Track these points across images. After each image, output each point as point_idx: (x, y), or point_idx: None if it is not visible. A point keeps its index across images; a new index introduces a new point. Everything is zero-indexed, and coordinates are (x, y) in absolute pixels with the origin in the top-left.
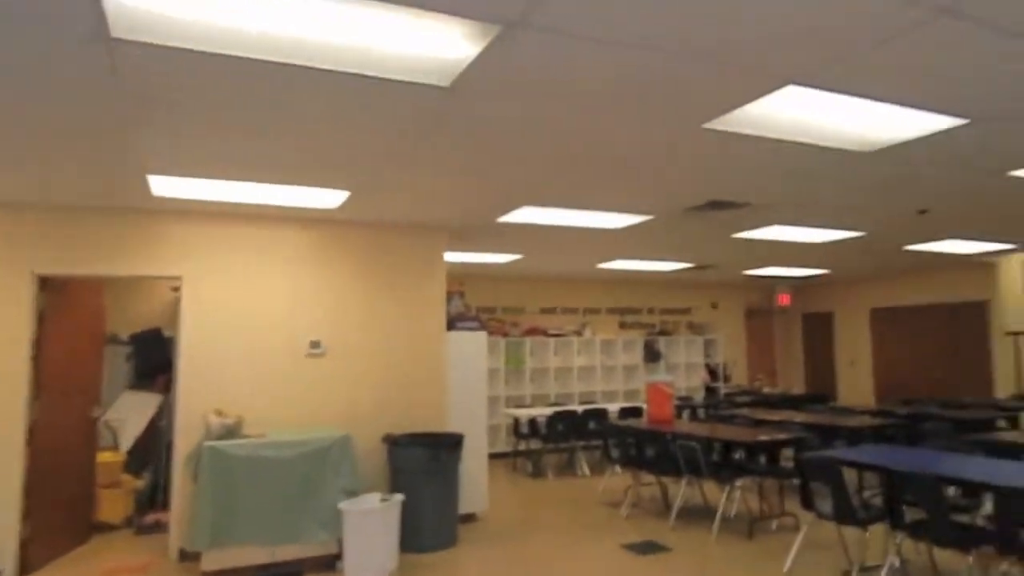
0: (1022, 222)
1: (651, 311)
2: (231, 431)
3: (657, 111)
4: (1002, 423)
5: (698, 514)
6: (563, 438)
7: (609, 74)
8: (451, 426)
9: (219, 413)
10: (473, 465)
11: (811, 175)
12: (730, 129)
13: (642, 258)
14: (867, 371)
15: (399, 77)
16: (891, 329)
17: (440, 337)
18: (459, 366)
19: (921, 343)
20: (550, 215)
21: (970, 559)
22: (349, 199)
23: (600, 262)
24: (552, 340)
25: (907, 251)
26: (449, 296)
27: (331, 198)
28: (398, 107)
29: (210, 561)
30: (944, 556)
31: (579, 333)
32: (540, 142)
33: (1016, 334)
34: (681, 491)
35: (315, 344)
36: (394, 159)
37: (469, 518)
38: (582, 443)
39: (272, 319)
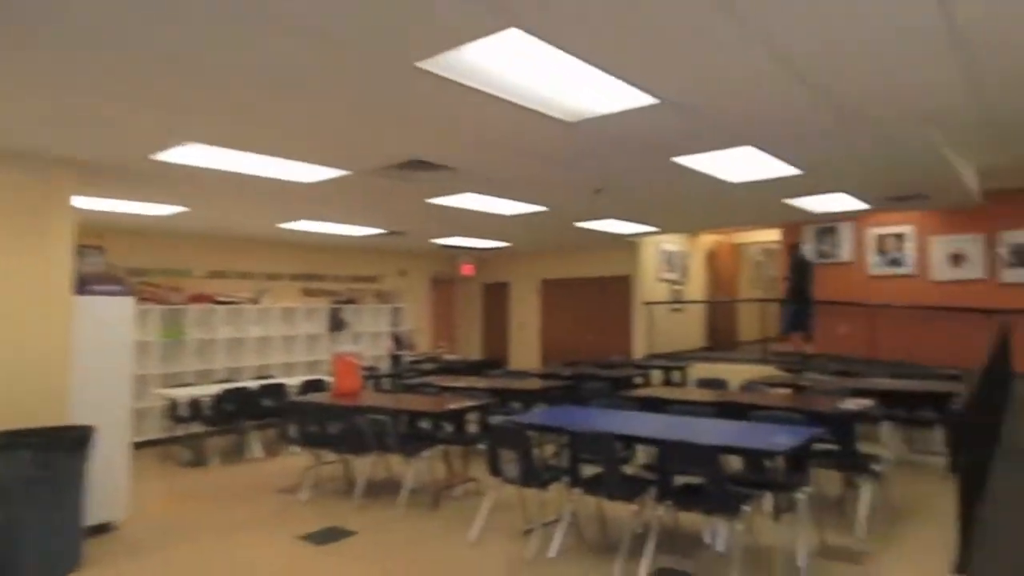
0: (669, 206)
1: (338, 278)
2: None
3: (366, 38)
4: (639, 379)
5: (385, 490)
6: (233, 419)
7: None
8: (77, 417)
9: None
10: (109, 462)
11: (515, 141)
12: (444, 74)
13: (331, 220)
14: (535, 337)
15: None
16: (557, 299)
17: (64, 304)
18: (94, 340)
19: (579, 311)
20: (223, 158)
21: (634, 506)
22: None
23: (283, 221)
24: (222, 309)
25: (577, 228)
26: (81, 251)
27: None
28: None
29: None
30: (610, 506)
31: (255, 301)
32: (207, 57)
33: (650, 304)
34: (368, 468)
35: None
36: None
37: (102, 529)
38: (256, 423)
39: None
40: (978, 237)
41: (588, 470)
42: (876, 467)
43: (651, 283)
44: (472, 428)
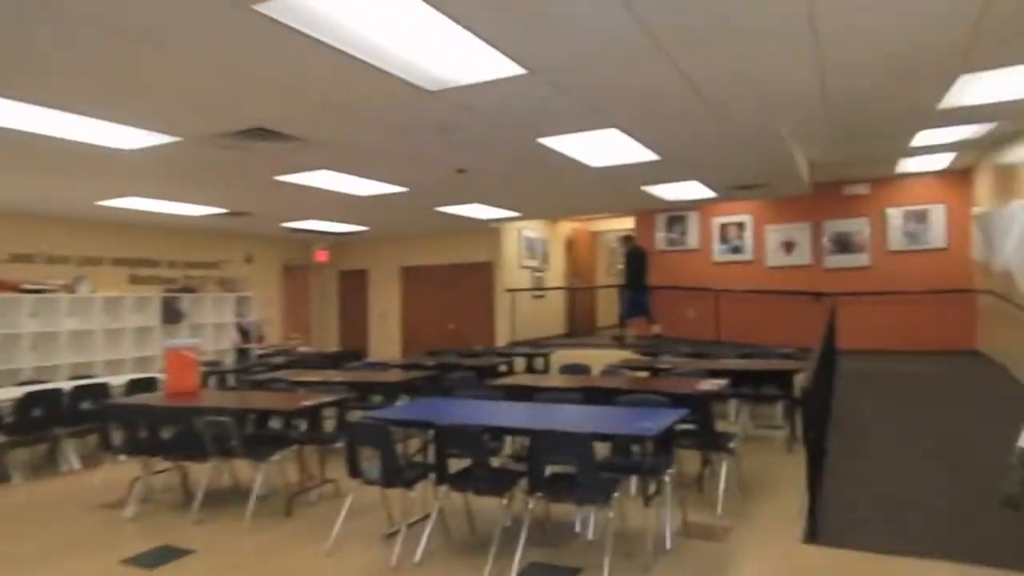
0: (534, 191)
1: (173, 264)
2: None
3: None
4: (504, 367)
5: (229, 499)
6: (41, 426)
7: None
8: None
9: None
10: None
11: (371, 110)
12: (287, 20)
13: (163, 197)
14: (396, 326)
15: None
16: (418, 286)
17: None
18: None
19: (441, 299)
20: (20, 115)
21: (504, 501)
22: None
23: (104, 199)
24: (29, 299)
25: (439, 212)
26: None
27: None
28: None
29: None
30: (479, 501)
31: (71, 289)
32: None
33: (513, 291)
34: (208, 476)
35: None
36: None
37: None
38: (71, 430)
39: None
40: (805, 226)
41: (456, 464)
42: (731, 445)
43: (513, 270)
44: (329, 425)
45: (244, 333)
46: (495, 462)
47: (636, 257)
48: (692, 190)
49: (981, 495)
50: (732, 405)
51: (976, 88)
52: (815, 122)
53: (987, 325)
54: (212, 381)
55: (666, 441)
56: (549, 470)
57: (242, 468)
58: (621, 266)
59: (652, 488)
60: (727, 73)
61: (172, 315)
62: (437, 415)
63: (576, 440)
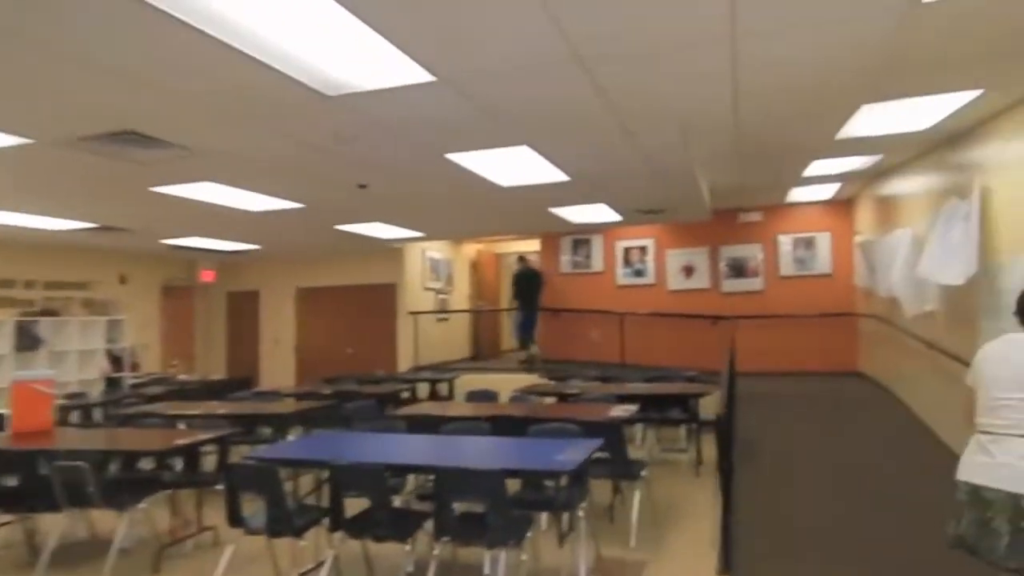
0: (439, 210)
1: (31, 284)
2: None
3: None
4: (406, 394)
5: (86, 553)
6: None
7: None
8: None
9: None
10: None
11: (262, 114)
12: (162, 5)
13: (16, 209)
14: (290, 351)
15: None
16: (315, 309)
17: None
18: None
19: (340, 322)
20: None
21: (407, 546)
22: None
23: None
24: None
25: (338, 231)
26: None
27: None
28: None
29: None
30: (379, 546)
31: None
32: None
33: (416, 313)
34: (61, 527)
35: None
36: None
37: None
38: None
39: None
40: (704, 251)
41: (353, 505)
42: (643, 472)
43: (417, 292)
44: (211, 463)
45: (115, 361)
46: (397, 501)
47: (528, 278)
48: (599, 213)
49: (887, 524)
50: (638, 429)
51: (871, 120)
52: (723, 148)
53: (868, 347)
54: (75, 416)
55: (580, 473)
56: (457, 509)
57: (104, 517)
58: (513, 287)
59: (566, 524)
60: (645, 91)
61: (28, 342)
62: (332, 452)
63: (487, 478)
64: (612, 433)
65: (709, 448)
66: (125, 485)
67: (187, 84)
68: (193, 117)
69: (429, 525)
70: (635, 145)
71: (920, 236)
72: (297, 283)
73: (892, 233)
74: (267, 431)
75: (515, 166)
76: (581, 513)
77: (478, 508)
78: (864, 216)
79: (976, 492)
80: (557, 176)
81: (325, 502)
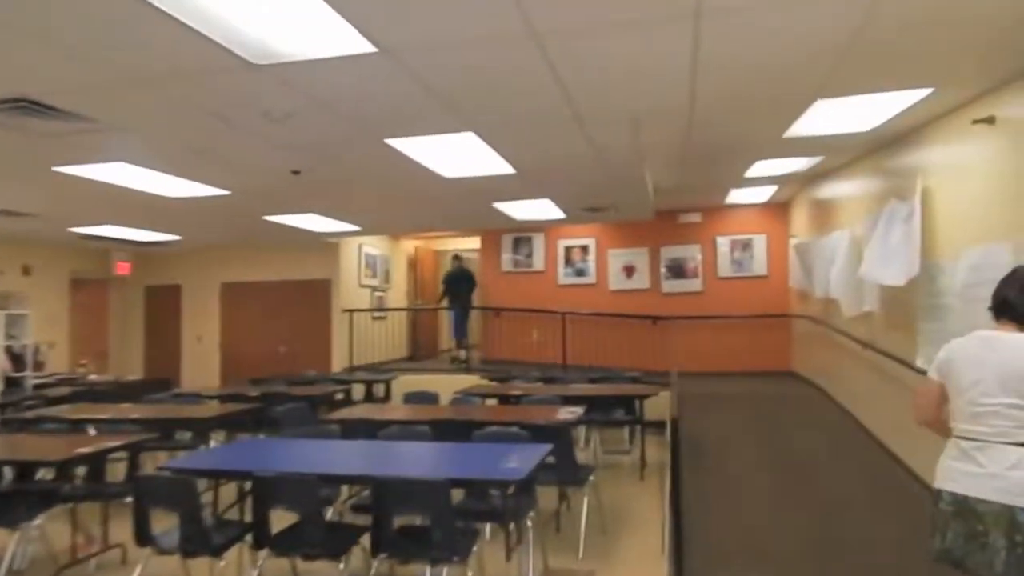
0: (378, 201)
1: None
2: None
3: None
4: (340, 396)
5: None
6: None
7: None
8: None
9: None
10: None
11: (180, 84)
12: None
13: None
14: (214, 350)
15: None
16: (241, 305)
17: None
18: None
19: (269, 320)
20: None
21: (340, 565)
22: None
23: None
24: None
25: (268, 222)
26: None
27: None
28: None
29: None
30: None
31: None
32: None
33: (351, 311)
34: None
35: None
36: None
37: None
38: None
39: None
40: (645, 251)
41: (281, 518)
42: (591, 477)
43: (353, 289)
44: (121, 472)
45: (16, 359)
46: (330, 513)
47: (459, 278)
48: (543, 209)
49: (836, 526)
50: (582, 430)
51: (820, 118)
52: (674, 142)
53: (802, 348)
54: None
55: (528, 481)
56: (397, 522)
57: None
58: (442, 285)
59: (513, 536)
60: (602, 76)
61: None
62: (257, 461)
63: (431, 488)
64: (560, 437)
65: (653, 449)
66: (19, 499)
67: (90, 44)
68: (98, 84)
69: (365, 540)
70: (586, 136)
71: (858, 238)
72: (223, 277)
73: (829, 235)
74: (187, 436)
75: (459, 155)
76: (529, 523)
77: (419, 521)
78: (799, 219)
79: (964, 503)
80: (503, 168)
81: (249, 516)
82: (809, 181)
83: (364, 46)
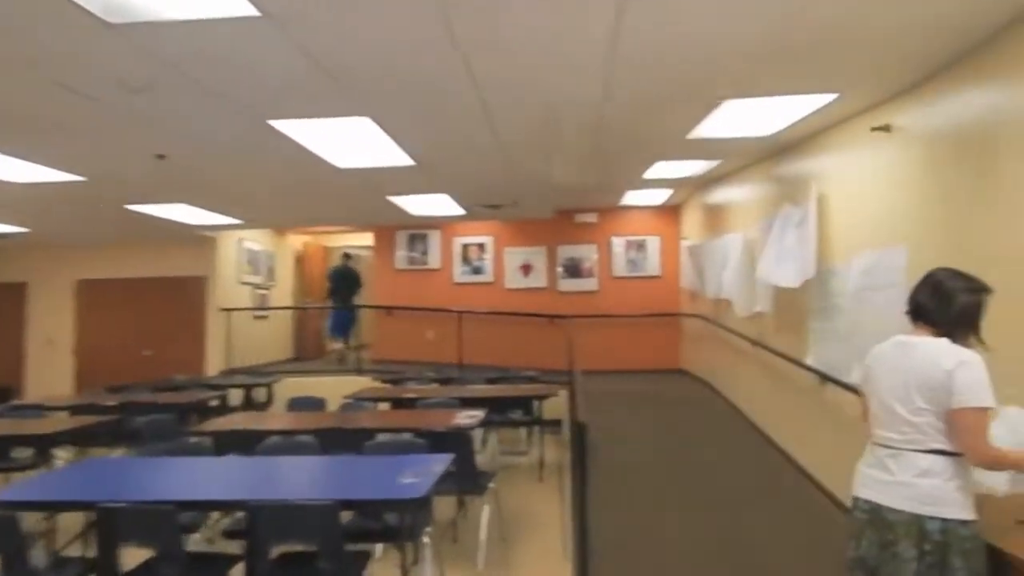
0: (260, 191)
1: None
2: None
3: None
4: (215, 402)
5: None
6: None
7: None
8: None
9: None
10: None
11: (20, 46)
12: None
13: None
14: (67, 355)
15: None
16: (100, 305)
17: None
18: None
19: (134, 321)
20: None
21: None
22: None
23: None
24: None
25: (131, 212)
26: None
27: None
28: None
29: None
30: None
31: None
32: None
33: (229, 310)
34: None
35: None
36: None
37: None
38: None
39: None
40: (542, 250)
41: (136, 553)
42: (491, 484)
43: (231, 286)
44: None
45: None
46: (197, 538)
47: (345, 276)
48: (441, 205)
49: (736, 525)
50: (479, 432)
51: (723, 121)
52: (581, 142)
53: (691, 346)
54: None
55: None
56: (277, 550)
57: None
58: (328, 283)
59: (410, 556)
60: (514, 58)
61: None
62: (104, 488)
63: (317, 514)
64: (459, 444)
65: (550, 450)
66: None
67: None
68: None
69: (238, 571)
70: (492, 127)
71: (751, 240)
72: (78, 274)
73: (721, 238)
74: (26, 455)
75: (354, 143)
76: (427, 539)
77: (302, 547)
78: (691, 221)
79: (877, 512)
80: (402, 159)
81: (94, 551)
82: (702, 185)
83: (244, 7)
